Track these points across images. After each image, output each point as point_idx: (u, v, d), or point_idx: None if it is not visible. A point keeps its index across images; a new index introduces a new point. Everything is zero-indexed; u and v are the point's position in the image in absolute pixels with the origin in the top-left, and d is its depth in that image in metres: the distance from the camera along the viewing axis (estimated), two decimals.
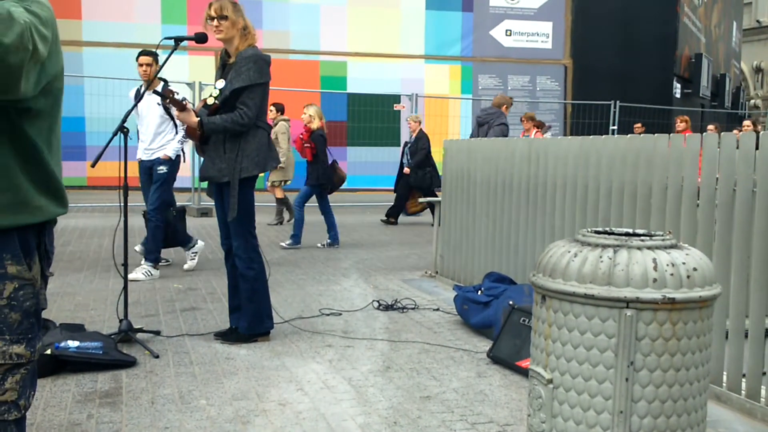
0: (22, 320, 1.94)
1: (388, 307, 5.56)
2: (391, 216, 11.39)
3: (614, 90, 16.50)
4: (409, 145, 11.38)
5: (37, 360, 2.04)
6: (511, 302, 4.39)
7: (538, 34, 17.99)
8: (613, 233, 2.45)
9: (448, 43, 17.51)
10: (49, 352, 3.81)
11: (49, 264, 2.05)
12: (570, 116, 17.60)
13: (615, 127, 15.02)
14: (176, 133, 6.62)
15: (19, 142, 1.88)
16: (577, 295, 2.23)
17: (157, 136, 6.63)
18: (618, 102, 15.27)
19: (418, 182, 11.06)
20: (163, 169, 6.60)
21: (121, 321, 4.44)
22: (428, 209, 11.04)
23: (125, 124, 4.37)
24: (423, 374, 4.01)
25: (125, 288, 4.54)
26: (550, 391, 2.31)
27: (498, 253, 5.77)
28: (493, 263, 5.79)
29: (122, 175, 4.44)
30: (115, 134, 4.24)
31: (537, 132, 11.86)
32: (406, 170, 11.09)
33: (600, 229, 2.52)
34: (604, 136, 4.77)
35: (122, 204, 4.46)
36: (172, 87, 4.83)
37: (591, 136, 4.86)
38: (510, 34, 17.85)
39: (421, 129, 11.38)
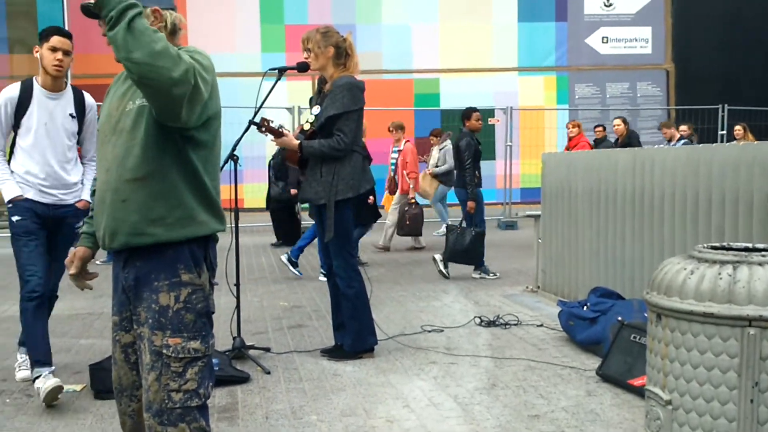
0: (195, 320, 2.23)
1: (491, 323, 5.52)
2: (285, 241, 10.39)
3: (721, 93, 15.80)
4: (272, 158, 10.47)
5: None
6: (619, 318, 4.28)
7: (636, 40, 17.50)
8: (731, 248, 2.36)
9: (542, 54, 17.30)
10: None
11: (214, 275, 2.35)
12: (674, 122, 16.99)
13: (724, 132, 14.40)
14: None
15: (185, 166, 2.20)
16: (695, 313, 2.16)
17: None
18: (726, 105, 14.63)
19: (277, 196, 10.30)
20: None
21: (234, 338, 4.60)
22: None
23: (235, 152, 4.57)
24: (530, 392, 3.96)
25: (237, 307, 4.70)
26: (669, 412, 2.24)
27: (603, 267, 5.63)
28: (598, 278, 5.66)
29: (233, 197, 4.64)
30: (226, 162, 4.41)
31: (408, 142, 10.22)
32: (293, 191, 9.45)
33: (717, 244, 2.44)
34: (714, 144, 4.60)
35: (233, 225, 4.64)
36: (272, 112, 4.98)
37: (700, 144, 4.70)
38: (606, 41, 17.45)
39: None
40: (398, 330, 5.37)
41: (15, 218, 3.95)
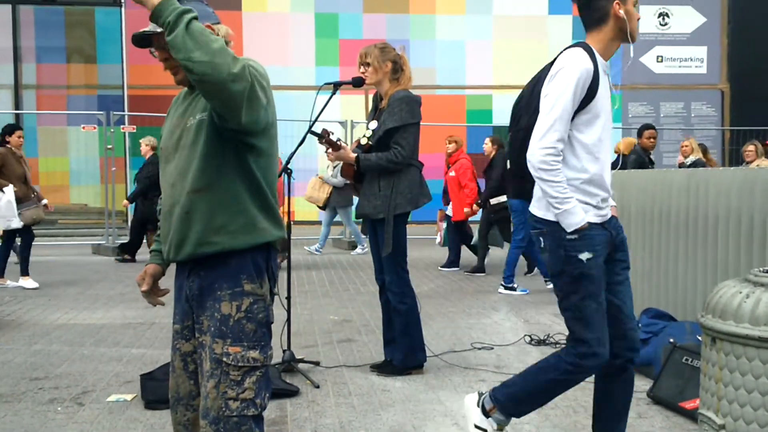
0: (256, 330, 2.27)
1: (541, 342, 5.50)
2: (126, 251, 10.51)
3: None
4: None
5: None
6: (671, 340, 4.23)
7: (691, 59, 17.26)
8: None
9: None
10: None
11: (275, 284, 2.38)
12: (728, 143, 16.66)
13: None
14: None
15: (246, 174, 2.25)
16: (750, 338, 2.15)
17: None
18: None
19: (146, 214, 10.09)
20: None
21: (284, 351, 4.68)
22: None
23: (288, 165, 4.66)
24: (580, 413, 3.94)
25: (288, 320, 4.78)
26: None
27: (655, 288, 5.57)
28: (650, 298, 5.59)
29: (286, 210, 4.74)
30: (279, 175, 4.51)
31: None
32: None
33: None
34: None
35: (286, 238, 4.73)
36: (325, 126, 5.07)
37: (756, 166, 4.62)
38: (661, 60, 17.24)
39: (154, 153, 9.88)
40: (448, 347, 5.39)
41: (585, 256, 2.73)
